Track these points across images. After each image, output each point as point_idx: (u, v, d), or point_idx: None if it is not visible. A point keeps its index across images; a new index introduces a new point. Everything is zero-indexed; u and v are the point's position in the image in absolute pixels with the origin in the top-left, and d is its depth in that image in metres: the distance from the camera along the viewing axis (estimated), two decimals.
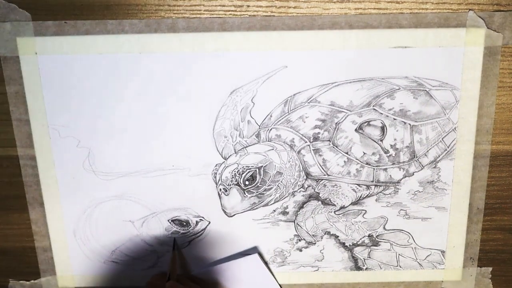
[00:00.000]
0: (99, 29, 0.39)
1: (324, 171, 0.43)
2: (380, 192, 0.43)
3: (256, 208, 0.44)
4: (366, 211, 0.44)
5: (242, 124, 0.42)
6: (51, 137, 0.42)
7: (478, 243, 0.45)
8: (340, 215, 0.44)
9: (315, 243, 0.45)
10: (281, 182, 0.43)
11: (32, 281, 0.46)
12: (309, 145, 0.42)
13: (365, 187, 0.43)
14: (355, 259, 0.46)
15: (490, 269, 0.46)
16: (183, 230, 0.44)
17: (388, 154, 0.42)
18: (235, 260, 0.45)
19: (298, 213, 0.44)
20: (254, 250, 0.45)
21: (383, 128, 0.42)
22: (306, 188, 0.43)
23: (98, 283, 0.46)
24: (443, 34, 0.39)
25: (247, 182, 0.43)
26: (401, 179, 0.43)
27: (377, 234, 0.45)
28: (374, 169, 0.43)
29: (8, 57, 0.40)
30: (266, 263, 0.46)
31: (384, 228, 0.44)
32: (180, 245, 0.45)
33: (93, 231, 0.45)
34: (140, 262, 0.46)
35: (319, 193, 0.43)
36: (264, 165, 0.42)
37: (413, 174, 0.43)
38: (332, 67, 0.40)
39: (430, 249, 0.45)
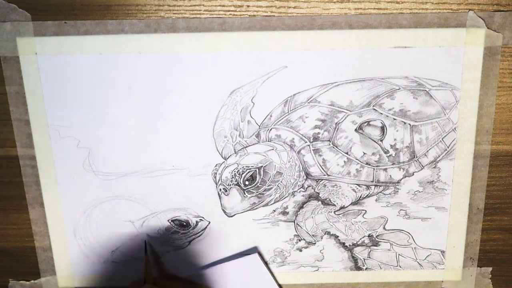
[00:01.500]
0: (99, 29, 0.39)
1: (324, 171, 0.43)
2: (380, 192, 0.43)
3: (256, 208, 0.44)
4: (366, 211, 0.44)
5: (242, 124, 0.42)
6: (51, 137, 0.42)
7: (478, 243, 0.45)
8: (340, 215, 0.44)
9: (315, 243, 0.45)
10: (281, 182, 0.43)
11: (32, 281, 0.46)
12: (309, 145, 0.42)
13: (365, 187, 0.43)
14: (355, 259, 0.46)
15: (490, 269, 0.46)
16: (183, 230, 0.44)
17: (388, 154, 0.42)
18: (235, 260, 0.45)
19: (298, 213, 0.44)
20: (254, 250, 0.45)
21: (383, 128, 0.42)
22: (306, 188, 0.43)
23: (98, 283, 0.46)
24: (443, 34, 0.39)
25: (247, 182, 0.43)
26: (401, 179, 0.43)
27: (377, 234, 0.45)
28: (374, 169, 0.43)
29: (8, 57, 0.40)
30: (266, 263, 0.45)
31: (384, 228, 0.44)
32: (180, 245, 0.45)
33: (93, 231, 0.45)
34: (140, 262, 0.45)
35: (319, 193, 0.43)
36: (264, 165, 0.42)
37: (413, 174, 0.43)
38: (332, 67, 0.40)
39: (430, 249, 0.45)
